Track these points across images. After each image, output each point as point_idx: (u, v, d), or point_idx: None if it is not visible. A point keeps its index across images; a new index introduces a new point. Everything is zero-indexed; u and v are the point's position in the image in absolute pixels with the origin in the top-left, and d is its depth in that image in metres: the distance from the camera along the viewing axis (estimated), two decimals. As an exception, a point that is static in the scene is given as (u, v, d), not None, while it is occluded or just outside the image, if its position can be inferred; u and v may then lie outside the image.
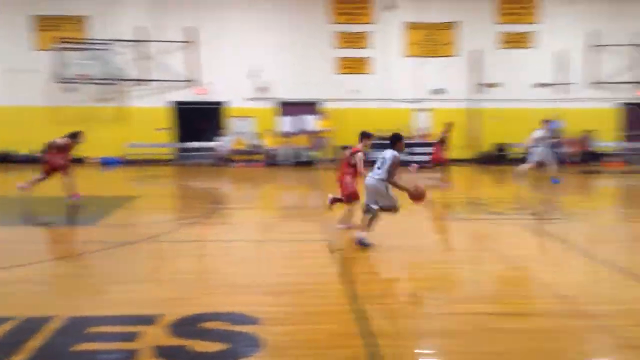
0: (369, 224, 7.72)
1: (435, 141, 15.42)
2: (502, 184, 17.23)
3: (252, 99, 21.01)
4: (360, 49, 21.22)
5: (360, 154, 8.53)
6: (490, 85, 20.80)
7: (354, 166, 8.56)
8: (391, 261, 7.35)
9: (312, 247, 7.86)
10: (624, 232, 9.88)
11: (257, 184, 16.94)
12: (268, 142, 20.99)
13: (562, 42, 20.70)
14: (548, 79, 20.90)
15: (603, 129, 20.66)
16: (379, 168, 7.70)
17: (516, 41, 20.88)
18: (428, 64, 21.18)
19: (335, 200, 9.06)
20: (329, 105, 21.06)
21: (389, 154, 7.69)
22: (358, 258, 7.38)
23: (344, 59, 21.25)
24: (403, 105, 21.25)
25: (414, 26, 21.08)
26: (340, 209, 9.19)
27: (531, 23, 20.80)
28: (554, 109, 20.65)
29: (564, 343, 4.69)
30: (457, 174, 18.66)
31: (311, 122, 20.58)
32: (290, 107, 21.06)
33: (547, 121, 14.87)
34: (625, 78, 21.00)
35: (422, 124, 21.22)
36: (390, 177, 7.54)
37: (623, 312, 5.40)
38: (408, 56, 21.21)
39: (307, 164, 20.48)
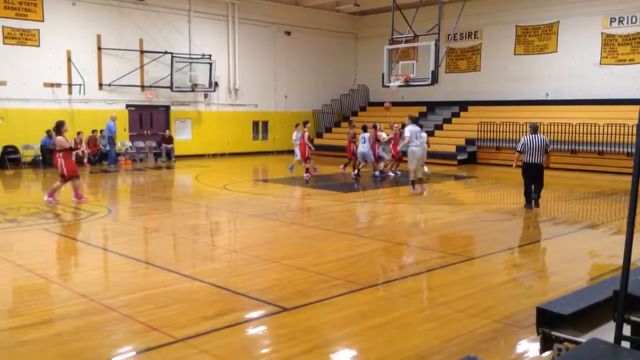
0: None
1: None
2: (15, 189, 16.15)
3: None
4: None
5: None
6: (-5, 83, 19.12)
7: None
8: None
9: None
10: (136, 225, 10.65)
11: None
12: None
13: (70, 43, 20.60)
14: (59, 79, 20.51)
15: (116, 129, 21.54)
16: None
17: (22, 38, 19.71)
18: None
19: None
20: None
21: None
22: None
23: None
24: None
25: None
26: None
27: (36, 20, 19.97)
28: (65, 110, 20.51)
29: (92, 340, 4.80)
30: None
31: None
32: None
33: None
34: (133, 81, 22.43)
35: None
36: None
37: (142, 298, 5.87)
38: None
39: None
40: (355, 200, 13.17)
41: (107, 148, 20.95)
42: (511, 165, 12.89)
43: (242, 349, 4.71)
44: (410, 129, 13.40)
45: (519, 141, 11.62)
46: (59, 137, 11.85)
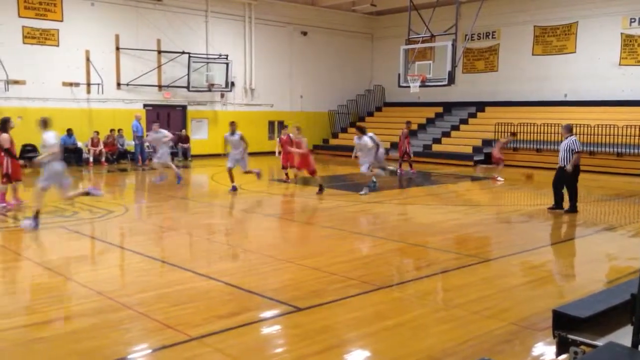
0: None
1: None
2: (33, 187, 16.30)
3: None
4: None
5: None
6: (16, 82, 19.35)
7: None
8: None
9: None
10: (152, 224, 10.70)
11: None
12: None
13: (89, 43, 20.80)
14: (77, 78, 20.71)
15: (130, 128, 21.73)
16: None
17: (41, 37, 19.94)
18: None
19: None
20: None
21: None
22: None
23: None
24: None
25: None
26: None
27: (55, 20, 20.19)
28: (86, 109, 20.74)
29: (107, 338, 4.83)
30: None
31: None
32: None
33: None
34: (151, 81, 22.58)
35: None
36: None
37: (158, 296, 5.91)
38: None
39: None
40: (369, 200, 13.14)
41: (124, 147, 21.14)
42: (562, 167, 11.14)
43: (255, 348, 4.72)
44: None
45: (575, 142, 10.93)
46: (4, 135, 11.19)
